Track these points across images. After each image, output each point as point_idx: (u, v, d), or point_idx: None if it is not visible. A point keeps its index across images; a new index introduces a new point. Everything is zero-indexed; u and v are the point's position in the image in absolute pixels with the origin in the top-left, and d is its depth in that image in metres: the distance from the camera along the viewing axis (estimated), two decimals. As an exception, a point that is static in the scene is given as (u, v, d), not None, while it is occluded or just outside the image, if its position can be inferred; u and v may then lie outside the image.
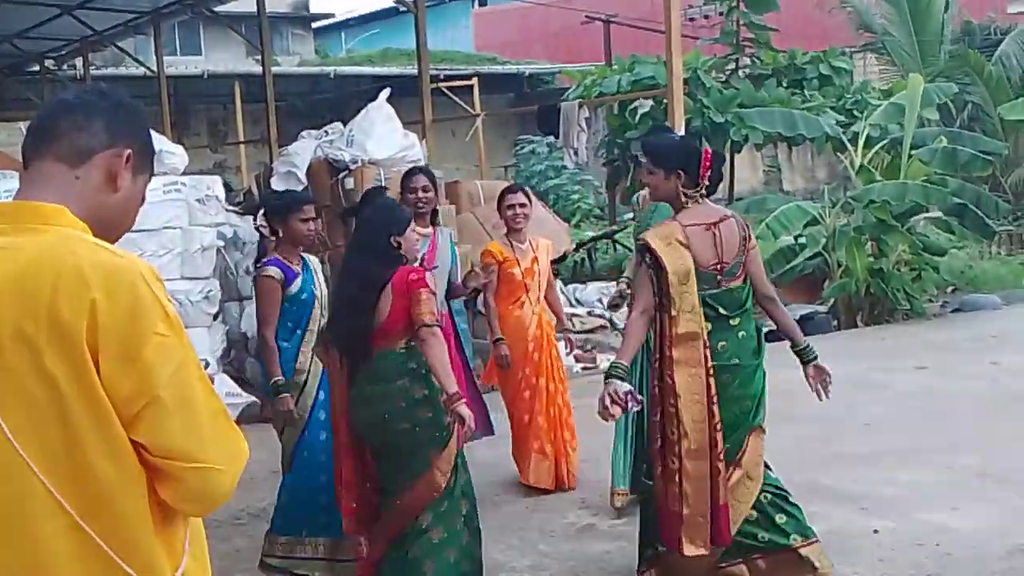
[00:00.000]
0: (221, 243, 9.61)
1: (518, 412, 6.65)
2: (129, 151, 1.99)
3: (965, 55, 18.77)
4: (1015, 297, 13.83)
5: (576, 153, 12.17)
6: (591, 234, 16.85)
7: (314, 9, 35.05)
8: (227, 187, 10.44)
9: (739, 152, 15.28)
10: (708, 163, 4.52)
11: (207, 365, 9.28)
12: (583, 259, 15.49)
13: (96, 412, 1.76)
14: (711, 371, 4.44)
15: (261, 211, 5.38)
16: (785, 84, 14.81)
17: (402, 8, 14.27)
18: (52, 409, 1.75)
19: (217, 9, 16.27)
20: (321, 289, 5.36)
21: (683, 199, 4.56)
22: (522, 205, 6.66)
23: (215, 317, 9.42)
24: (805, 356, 4.74)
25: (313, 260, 5.46)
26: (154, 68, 17.40)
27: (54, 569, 1.77)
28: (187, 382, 1.82)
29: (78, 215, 1.90)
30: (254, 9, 14.63)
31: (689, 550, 4.44)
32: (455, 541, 4.49)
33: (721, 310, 4.53)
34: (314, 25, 35.27)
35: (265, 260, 5.31)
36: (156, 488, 1.84)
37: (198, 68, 23.02)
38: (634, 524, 5.88)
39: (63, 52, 19.63)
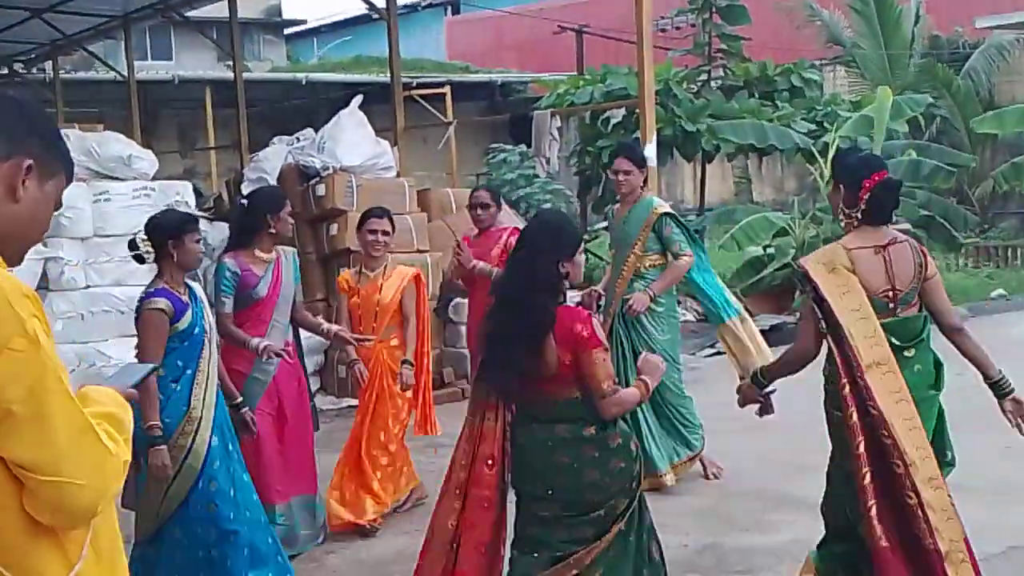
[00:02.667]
0: (190, 249, 9.56)
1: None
2: (30, 161, 1.99)
3: (933, 69, 18.98)
4: (981, 309, 13.96)
5: (548, 162, 12.16)
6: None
7: (286, 15, 34.97)
8: (197, 193, 10.41)
9: (710, 163, 15.34)
10: (868, 186, 4.12)
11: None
12: (554, 268, 15.50)
13: None
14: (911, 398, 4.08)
15: (141, 232, 4.80)
16: (756, 95, 14.89)
17: (375, 16, 14.26)
18: None
19: (188, 14, 16.19)
20: (210, 322, 4.92)
21: (842, 218, 4.29)
22: (385, 232, 6.33)
23: (183, 323, 9.37)
24: (1000, 390, 4.28)
25: (199, 289, 4.95)
26: (124, 72, 17.28)
27: None
28: (43, 398, 1.83)
29: None
30: (226, 14, 14.58)
31: None
32: None
33: (894, 340, 4.14)
34: (286, 31, 35.17)
35: (152, 290, 4.71)
36: (24, 500, 1.86)
37: (169, 73, 22.86)
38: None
39: (32, 55, 19.45)
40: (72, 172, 2.16)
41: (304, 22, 37.06)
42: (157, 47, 27.62)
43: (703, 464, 7.01)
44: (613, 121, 13.93)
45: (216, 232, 10.59)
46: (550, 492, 3.94)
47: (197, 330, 4.75)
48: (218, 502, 4.72)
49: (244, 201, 5.94)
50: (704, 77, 15.17)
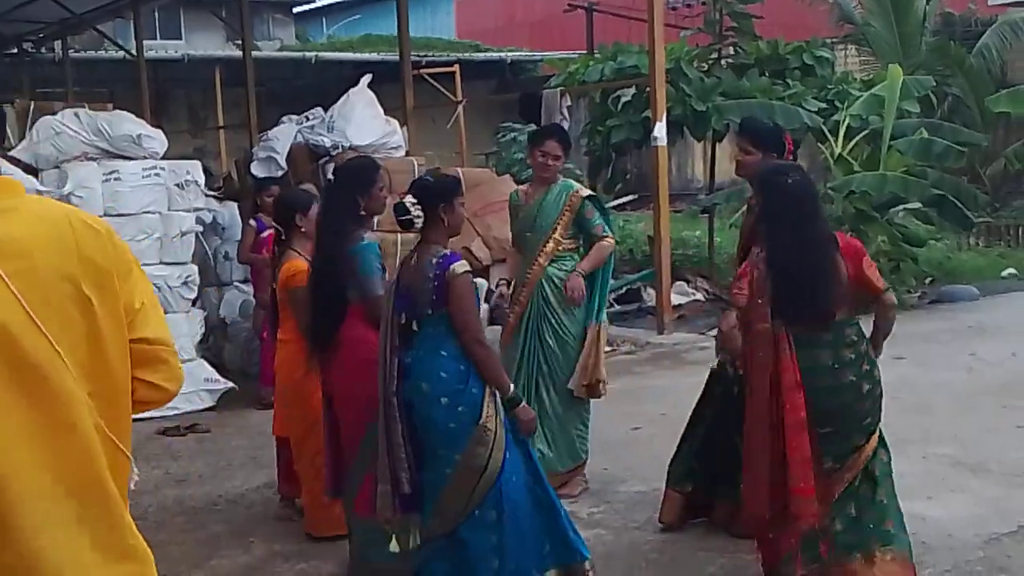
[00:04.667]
0: (200, 228, 9.57)
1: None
2: None
3: (945, 47, 18.85)
4: (992, 288, 13.93)
5: (558, 141, 12.14)
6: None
7: (296, -6, 34.91)
8: (207, 172, 10.37)
9: (720, 141, 15.29)
10: (791, 147, 5.24)
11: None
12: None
13: (118, 322, 2.25)
14: None
15: (410, 196, 4.38)
16: (767, 74, 14.79)
17: (384, -6, 14.22)
18: (83, 327, 2.19)
19: (198, -7, 16.20)
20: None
21: None
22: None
23: (194, 303, 9.38)
24: None
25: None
26: (134, 52, 17.29)
27: (97, 458, 2.18)
28: (152, 293, 2.42)
29: None
30: (235, -7, 14.57)
31: None
32: (892, 503, 4.55)
33: None
34: (295, 10, 35.10)
35: (446, 254, 4.32)
36: (147, 376, 2.34)
37: (178, 52, 22.84)
38: (612, 512, 5.92)
39: (41, 35, 19.46)
40: None
41: (313, 1, 37.00)
42: (167, 26, 27.59)
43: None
44: (624, 100, 13.88)
45: (226, 212, 10.60)
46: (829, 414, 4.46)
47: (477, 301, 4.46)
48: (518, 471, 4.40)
49: (331, 177, 5.39)
50: (715, 56, 15.09)
